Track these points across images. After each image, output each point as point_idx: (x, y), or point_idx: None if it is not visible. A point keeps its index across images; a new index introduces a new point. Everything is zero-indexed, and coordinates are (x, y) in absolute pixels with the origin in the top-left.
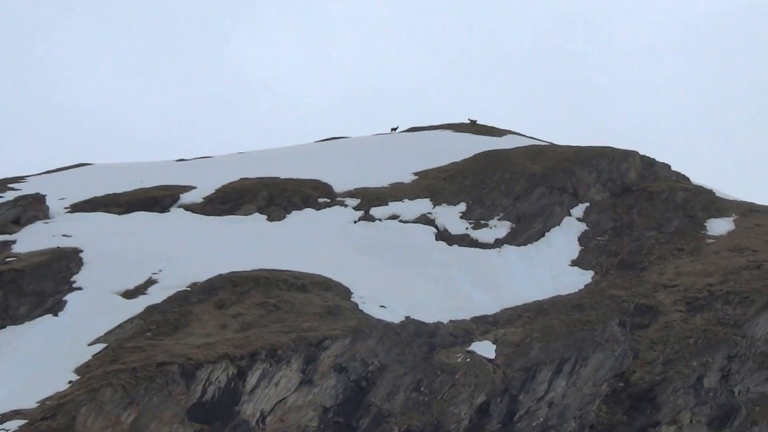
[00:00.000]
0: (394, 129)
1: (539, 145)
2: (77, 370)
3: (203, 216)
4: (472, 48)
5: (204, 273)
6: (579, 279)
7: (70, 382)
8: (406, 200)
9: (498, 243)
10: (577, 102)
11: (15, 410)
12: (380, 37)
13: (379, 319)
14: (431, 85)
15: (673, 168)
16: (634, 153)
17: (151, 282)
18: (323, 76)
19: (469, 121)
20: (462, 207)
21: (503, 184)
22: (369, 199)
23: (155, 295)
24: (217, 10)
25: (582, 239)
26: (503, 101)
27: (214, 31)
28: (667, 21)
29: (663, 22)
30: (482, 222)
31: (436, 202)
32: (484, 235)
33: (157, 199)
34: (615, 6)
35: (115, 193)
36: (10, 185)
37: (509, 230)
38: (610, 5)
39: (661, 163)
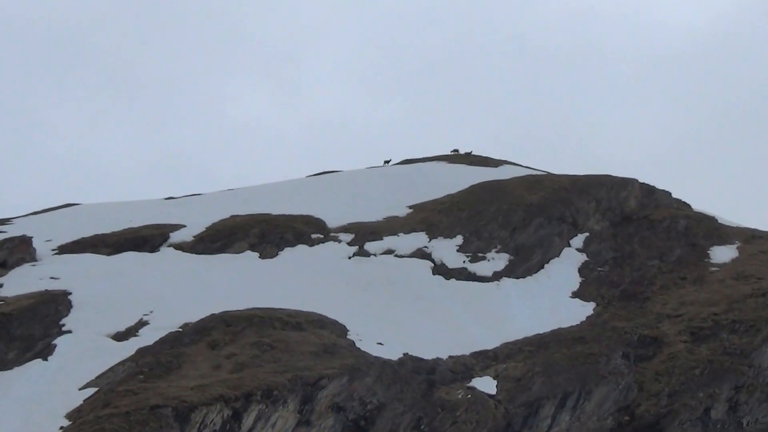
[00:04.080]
0: (386, 162)
1: (536, 174)
2: (68, 416)
3: (194, 255)
4: (454, 84)
5: (196, 313)
6: (580, 311)
7: (61, 428)
8: (401, 234)
9: (496, 276)
10: (562, 139)
11: None
12: (357, 77)
13: (376, 357)
14: (412, 124)
15: (674, 196)
16: (634, 181)
17: (142, 323)
18: (304, 116)
19: (452, 152)
20: (459, 240)
21: (500, 216)
22: (363, 234)
23: (147, 337)
24: (200, 55)
25: (582, 270)
26: (485, 138)
27: (198, 74)
28: (647, 55)
29: (643, 57)
30: (480, 255)
31: (432, 236)
32: (481, 268)
33: (147, 239)
34: (596, 41)
35: (103, 234)
36: None
37: (507, 262)
38: (588, 40)
39: (662, 190)
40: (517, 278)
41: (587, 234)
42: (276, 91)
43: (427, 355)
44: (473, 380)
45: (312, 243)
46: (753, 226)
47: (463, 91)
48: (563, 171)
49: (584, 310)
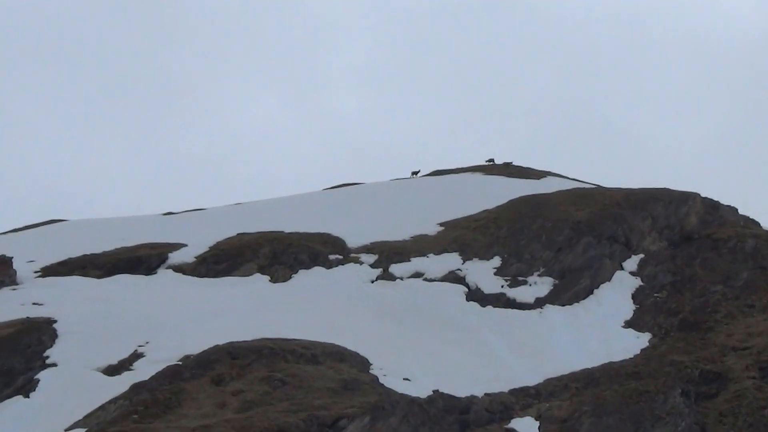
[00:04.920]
0: (415, 173)
1: (584, 188)
2: None
3: (196, 278)
4: (490, 85)
5: (198, 344)
6: (634, 342)
7: None
8: (431, 255)
9: (539, 303)
10: (613, 147)
11: None
12: (378, 78)
13: (402, 394)
14: (443, 131)
15: (741, 212)
16: (695, 195)
17: (136, 356)
18: (319, 122)
19: (488, 162)
20: (496, 262)
21: (544, 234)
22: (388, 255)
23: (142, 371)
24: (203, 54)
25: (637, 296)
26: (526, 146)
27: (200, 76)
28: (709, 50)
29: (705, 53)
30: (520, 279)
31: (466, 257)
32: (522, 293)
33: (142, 260)
34: (649, 35)
35: (93, 254)
36: None
37: (552, 287)
38: (641, 34)
39: (727, 206)
40: (563, 305)
41: (642, 255)
42: (287, 95)
43: (461, 392)
44: (512, 421)
45: (330, 265)
46: None
47: (500, 94)
48: (614, 184)
49: (639, 341)
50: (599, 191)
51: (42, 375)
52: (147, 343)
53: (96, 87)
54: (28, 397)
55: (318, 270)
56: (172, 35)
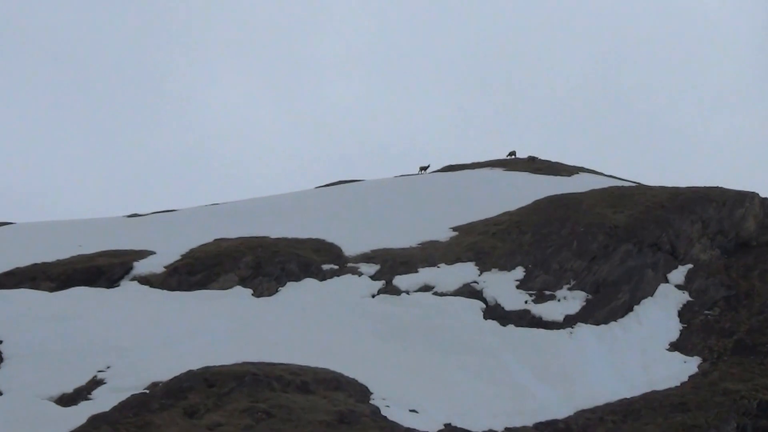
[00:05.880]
0: (423, 168)
1: (622, 186)
2: None
3: (166, 291)
4: (512, 71)
5: (168, 369)
6: (681, 368)
7: None
8: (442, 265)
9: (569, 321)
10: (655, 140)
11: None
12: (379, 64)
13: (408, 428)
14: (456, 120)
15: None
16: (753, 195)
17: (96, 383)
18: (306, 116)
19: (509, 156)
20: (519, 273)
21: (575, 241)
22: (392, 265)
23: (102, 401)
24: (176, 41)
25: (684, 314)
26: (554, 137)
27: (172, 63)
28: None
29: (759, 35)
30: (547, 293)
31: (483, 267)
32: (550, 310)
33: (103, 270)
34: (697, 16)
35: (45, 263)
36: None
37: (584, 303)
38: (687, 16)
39: None
40: (597, 324)
41: (690, 266)
42: (274, 82)
43: (477, 425)
44: None
45: (323, 276)
46: None
47: (523, 82)
48: (658, 182)
49: (686, 366)
50: (640, 190)
51: None
52: (108, 368)
53: (48, 74)
54: None
55: (309, 282)
56: (144, 17)
